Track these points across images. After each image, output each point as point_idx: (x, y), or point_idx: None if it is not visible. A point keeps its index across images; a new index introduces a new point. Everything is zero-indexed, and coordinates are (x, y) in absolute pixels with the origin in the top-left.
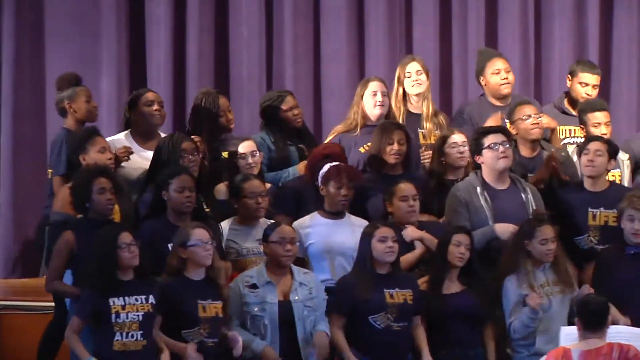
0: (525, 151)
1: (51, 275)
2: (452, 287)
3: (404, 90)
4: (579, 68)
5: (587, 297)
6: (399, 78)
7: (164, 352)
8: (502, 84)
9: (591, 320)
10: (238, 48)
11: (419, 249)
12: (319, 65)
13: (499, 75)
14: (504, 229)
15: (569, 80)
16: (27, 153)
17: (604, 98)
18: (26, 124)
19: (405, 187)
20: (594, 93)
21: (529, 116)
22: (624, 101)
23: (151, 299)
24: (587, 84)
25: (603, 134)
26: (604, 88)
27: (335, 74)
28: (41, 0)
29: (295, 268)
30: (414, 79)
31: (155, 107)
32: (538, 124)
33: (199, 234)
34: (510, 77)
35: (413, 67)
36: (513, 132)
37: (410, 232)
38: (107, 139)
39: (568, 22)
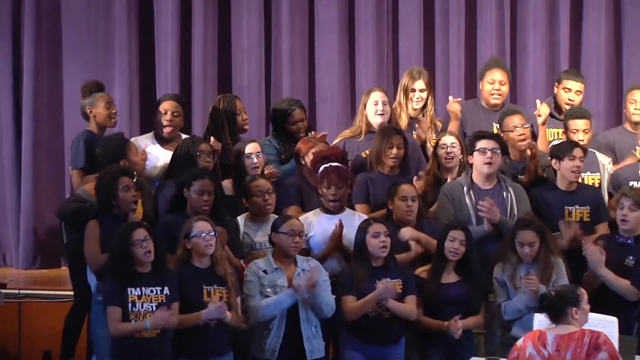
0: (514, 155)
1: (92, 256)
2: (449, 277)
3: (407, 100)
4: (564, 75)
5: (559, 287)
6: (405, 90)
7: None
8: (492, 94)
9: (549, 314)
10: (239, 58)
11: (413, 251)
12: (314, 75)
13: (492, 85)
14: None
15: (556, 87)
16: (45, 154)
17: None
18: (44, 128)
19: (406, 188)
20: (577, 99)
21: (516, 127)
22: (591, 107)
23: (166, 290)
24: (569, 90)
25: (580, 140)
26: None
27: (327, 82)
28: (59, 14)
29: (299, 257)
30: (417, 96)
31: (168, 116)
32: (524, 133)
33: (200, 226)
34: (504, 89)
35: (418, 85)
36: (504, 138)
37: (406, 233)
38: (132, 139)
39: (541, 35)
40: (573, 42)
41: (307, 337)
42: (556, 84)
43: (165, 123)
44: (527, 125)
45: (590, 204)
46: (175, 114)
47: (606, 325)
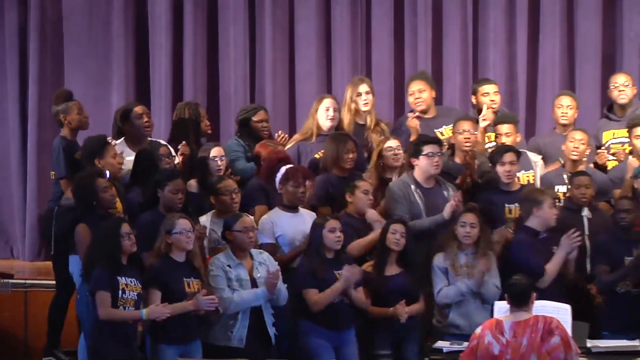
0: (458, 157)
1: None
2: (392, 269)
3: (354, 106)
4: (477, 84)
5: (513, 279)
6: (351, 96)
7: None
8: (415, 103)
9: (517, 299)
10: (226, 69)
11: (375, 233)
12: (294, 84)
13: (413, 95)
14: (448, 210)
15: (474, 98)
16: (48, 155)
17: (531, 114)
18: (48, 132)
19: (365, 184)
20: (497, 99)
21: (465, 131)
22: (548, 115)
23: (139, 283)
24: (487, 93)
25: (504, 143)
26: (530, 105)
27: (307, 91)
28: (61, 28)
29: (253, 250)
30: (364, 98)
31: (145, 119)
32: (470, 138)
33: (183, 224)
34: (424, 96)
35: (363, 88)
36: (452, 140)
37: (372, 215)
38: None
39: (501, 49)
40: (530, 56)
41: (269, 324)
42: (473, 95)
43: (146, 124)
44: (475, 132)
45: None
46: (149, 115)
47: (560, 312)
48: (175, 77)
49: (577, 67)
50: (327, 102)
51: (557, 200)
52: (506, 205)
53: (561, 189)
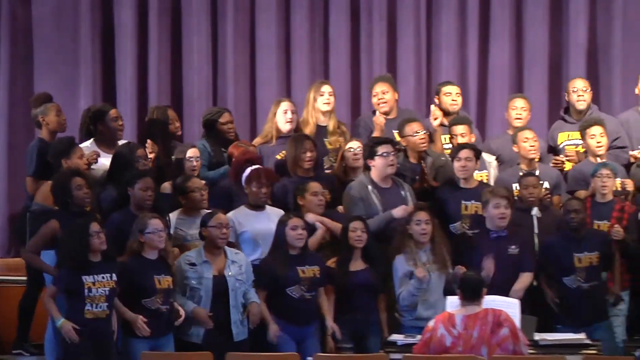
0: (412, 158)
1: (31, 248)
2: (355, 265)
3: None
4: (440, 85)
5: (466, 274)
6: (314, 97)
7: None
8: (378, 104)
9: (470, 292)
10: (189, 74)
11: (320, 232)
12: (255, 89)
13: (377, 96)
14: (399, 210)
15: (437, 98)
16: (19, 158)
17: (481, 116)
18: (19, 135)
19: (316, 185)
20: (458, 100)
21: (417, 132)
22: (497, 117)
23: (114, 277)
24: (450, 93)
25: (459, 143)
26: (481, 107)
27: (267, 95)
28: (31, 35)
29: (228, 249)
30: (326, 98)
31: (120, 122)
32: (424, 138)
33: (155, 224)
34: (387, 97)
35: (326, 88)
36: (403, 143)
37: (311, 217)
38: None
39: (453, 53)
40: (480, 60)
41: (235, 321)
42: (436, 95)
43: (120, 127)
44: (426, 130)
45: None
46: (122, 118)
47: (509, 306)
48: (140, 81)
49: (525, 71)
50: (285, 105)
51: (507, 200)
52: (462, 202)
53: (518, 187)
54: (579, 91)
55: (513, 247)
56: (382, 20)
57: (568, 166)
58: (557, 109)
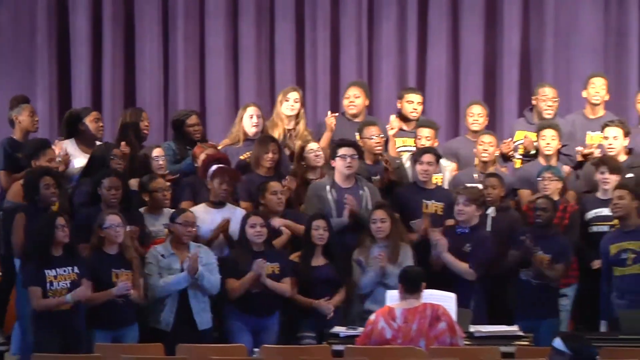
0: (368, 160)
1: (17, 245)
2: (317, 261)
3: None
4: (404, 91)
5: (406, 267)
6: (280, 102)
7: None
8: (348, 106)
9: (410, 285)
10: (142, 78)
11: (285, 235)
12: (204, 92)
13: (348, 99)
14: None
15: (399, 103)
16: None
17: None
18: None
19: (275, 185)
20: (419, 108)
21: (373, 136)
22: (435, 120)
23: (76, 269)
24: (412, 101)
25: (423, 145)
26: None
27: (216, 99)
28: None
29: (191, 243)
30: (290, 104)
31: (100, 123)
32: (379, 142)
33: (112, 219)
34: (358, 102)
35: (292, 95)
36: (361, 144)
37: (276, 222)
38: (62, 142)
39: (393, 60)
40: (419, 67)
41: (197, 312)
42: (399, 100)
43: (101, 128)
44: (382, 135)
45: (444, 201)
46: (102, 120)
47: (446, 300)
48: (95, 85)
49: (462, 76)
50: (251, 110)
51: (463, 197)
52: (423, 201)
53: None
54: (549, 101)
55: (468, 245)
56: (326, 29)
57: (518, 164)
58: (493, 111)
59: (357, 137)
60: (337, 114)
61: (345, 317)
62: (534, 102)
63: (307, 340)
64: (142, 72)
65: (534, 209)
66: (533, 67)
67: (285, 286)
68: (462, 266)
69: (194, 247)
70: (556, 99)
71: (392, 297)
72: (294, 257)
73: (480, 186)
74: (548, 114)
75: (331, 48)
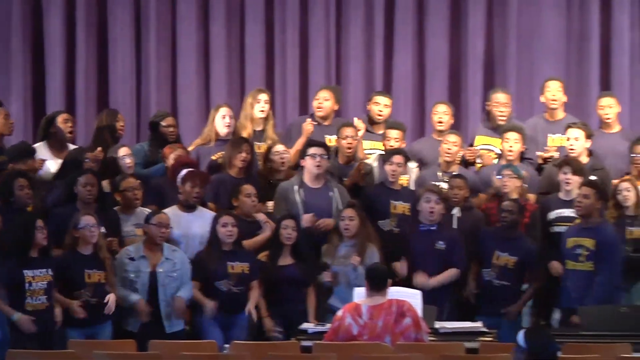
0: (341, 160)
1: None
2: (285, 260)
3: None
4: (374, 94)
5: (373, 265)
6: (250, 104)
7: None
8: (317, 108)
9: (376, 283)
10: (115, 80)
11: (268, 231)
12: (176, 94)
13: (318, 101)
14: (305, 220)
15: (368, 105)
16: None
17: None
18: None
19: (249, 187)
20: (385, 111)
21: (347, 137)
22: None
23: (49, 271)
24: (379, 103)
25: (391, 147)
26: None
27: (187, 100)
28: None
29: (166, 246)
30: (261, 106)
31: (69, 124)
32: (352, 143)
33: (86, 219)
34: (326, 105)
35: (262, 96)
36: (337, 144)
37: (262, 217)
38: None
39: (361, 64)
40: (386, 71)
41: (165, 315)
42: (368, 102)
43: (69, 128)
44: (357, 137)
45: (411, 201)
46: (74, 122)
47: (412, 296)
48: (69, 87)
49: (427, 80)
50: (223, 110)
51: (439, 196)
52: (391, 201)
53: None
54: (501, 106)
55: (440, 242)
56: (295, 32)
57: (478, 166)
58: (458, 113)
59: (327, 140)
60: (310, 119)
61: (314, 313)
62: (487, 107)
63: (274, 336)
64: (115, 75)
65: (500, 210)
66: (497, 71)
67: (255, 290)
68: (449, 275)
69: (169, 250)
70: (509, 105)
71: (359, 293)
72: (262, 256)
73: (445, 185)
74: (501, 119)
75: (300, 50)
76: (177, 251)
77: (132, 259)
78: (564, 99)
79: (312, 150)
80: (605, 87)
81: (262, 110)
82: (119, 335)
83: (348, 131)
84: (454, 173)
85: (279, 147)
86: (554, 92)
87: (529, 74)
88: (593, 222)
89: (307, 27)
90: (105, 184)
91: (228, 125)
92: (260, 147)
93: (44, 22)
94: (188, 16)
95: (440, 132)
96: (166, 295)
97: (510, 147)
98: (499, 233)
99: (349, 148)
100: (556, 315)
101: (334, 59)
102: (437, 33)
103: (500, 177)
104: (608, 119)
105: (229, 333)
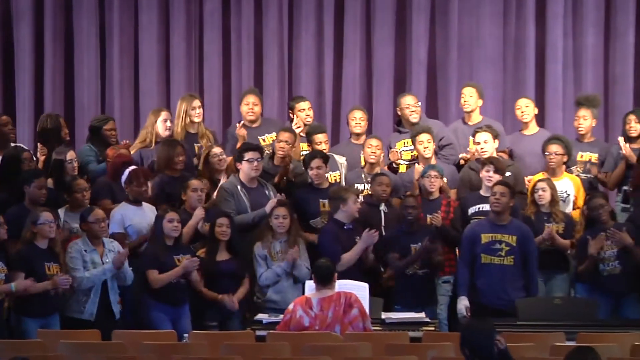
0: (277, 161)
1: None
2: (221, 255)
3: (187, 117)
4: (294, 102)
5: (319, 262)
6: (185, 109)
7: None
8: (247, 113)
9: (322, 278)
10: (80, 86)
11: (193, 221)
12: (138, 99)
13: (247, 106)
14: (269, 206)
15: (291, 113)
16: None
17: (335, 124)
18: None
19: (196, 182)
20: (310, 113)
21: (281, 141)
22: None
23: (2, 264)
24: (303, 109)
25: (323, 149)
26: (335, 116)
27: (149, 105)
28: None
29: (104, 239)
30: (197, 111)
31: (9, 126)
32: (284, 147)
33: (46, 216)
34: (256, 109)
35: (196, 103)
36: (274, 146)
37: (198, 212)
38: None
39: (312, 69)
40: (335, 75)
41: (114, 302)
42: (290, 111)
43: (10, 131)
44: (290, 142)
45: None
46: (13, 124)
47: (359, 289)
48: (37, 92)
49: (374, 85)
50: (165, 114)
51: (358, 197)
52: (320, 200)
53: (360, 187)
54: (412, 107)
55: (357, 238)
56: (250, 40)
57: (402, 168)
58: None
59: (261, 140)
60: (239, 124)
61: (249, 306)
62: (399, 112)
63: (210, 328)
64: (80, 81)
65: (403, 207)
66: (439, 77)
67: (199, 280)
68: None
69: (107, 242)
70: (418, 103)
71: (310, 286)
72: (200, 252)
73: (368, 186)
74: (414, 118)
75: (255, 58)
76: (113, 242)
77: (85, 251)
78: (480, 102)
79: (249, 155)
80: (540, 92)
81: (197, 116)
82: (65, 324)
83: (284, 135)
84: (377, 172)
85: (217, 150)
86: (467, 97)
87: (469, 79)
88: (505, 219)
89: (261, 35)
90: (49, 182)
91: (169, 128)
92: (202, 147)
93: (13, 29)
94: (149, 25)
95: (358, 135)
96: (113, 283)
97: (426, 147)
98: (407, 228)
99: (281, 151)
100: (463, 303)
101: (286, 65)
102: (384, 41)
103: (426, 177)
104: (525, 119)
105: (177, 325)
